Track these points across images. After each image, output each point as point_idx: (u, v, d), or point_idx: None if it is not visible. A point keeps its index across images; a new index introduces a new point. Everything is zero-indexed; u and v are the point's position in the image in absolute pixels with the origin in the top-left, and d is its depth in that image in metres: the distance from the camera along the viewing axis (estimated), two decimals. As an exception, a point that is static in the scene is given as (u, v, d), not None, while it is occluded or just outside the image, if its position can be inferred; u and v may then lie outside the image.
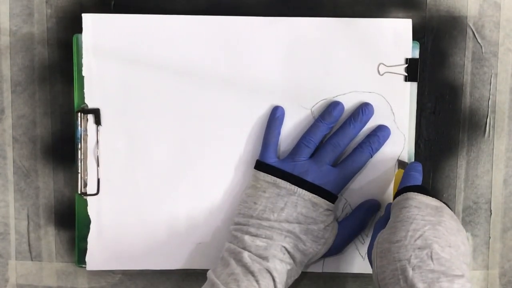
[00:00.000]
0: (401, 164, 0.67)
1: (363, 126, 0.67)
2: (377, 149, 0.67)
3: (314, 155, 0.66)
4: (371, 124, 0.67)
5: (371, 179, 0.68)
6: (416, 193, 0.58)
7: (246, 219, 0.64)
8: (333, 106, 0.66)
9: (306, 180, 0.64)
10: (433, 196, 0.59)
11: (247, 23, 0.67)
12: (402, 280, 0.53)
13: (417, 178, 0.62)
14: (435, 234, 0.55)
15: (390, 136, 0.67)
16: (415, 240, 0.54)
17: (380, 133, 0.66)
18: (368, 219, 0.68)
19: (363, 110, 0.66)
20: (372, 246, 0.59)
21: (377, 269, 0.56)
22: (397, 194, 0.60)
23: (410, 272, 0.53)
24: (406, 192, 0.59)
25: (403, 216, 0.56)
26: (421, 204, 0.57)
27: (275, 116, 0.67)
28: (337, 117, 0.66)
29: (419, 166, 0.64)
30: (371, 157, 0.66)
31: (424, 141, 0.69)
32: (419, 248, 0.54)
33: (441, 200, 0.59)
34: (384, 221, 0.61)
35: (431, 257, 0.53)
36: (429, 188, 0.63)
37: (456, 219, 0.58)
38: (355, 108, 0.67)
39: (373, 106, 0.67)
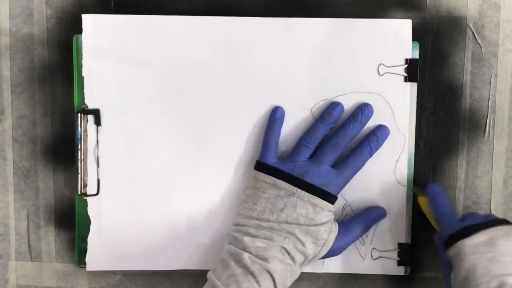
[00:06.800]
0: (418, 191, 0.67)
1: (363, 127, 0.67)
2: (376, 149, 0.67)
3: (313, 156, 0.66)
4: (371, 124, 0.67)
5: (371, 180, 0.68)
6: (463, 239, 0.59)
7: (246, 219, 0.64)
8: (332, 106, 0.66)
9: (306, 181, 0.64)
10: (479, 228, 0.60)
11: (247, 23, 0.67)
12: None
13: (445, 205, 0.64)
14: (503, 267, 0.56)
15: (390, 137, 0.67)
16: (490, 284, 0.56)
17: (379, 133, 0.66)
18: (370, 226, 0.68)
19: (363, 110, 0.66)
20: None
21: None
22: (449, 241, 0.61)
23: None
24: (455, 240, 0.60)
25: (468, 268, 0.58)
26: (474, 248, 0.58)
27: (275, 117, 0.67)
28: (336, 118, 0.66)
29: (438, 188, 0.65)
30: (370, 156, 0.66)
31: (424, 141, 0.69)
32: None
33: (486, 221, 0.60)
34: (446, 261, 0.62)
35: (504, 283, 0.55)
36: (474, 222, 0.62)
37: (510, 234, 0.59)
38: (355, 109, 0.67)
39: (373, 106, 0.67)
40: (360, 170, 0.67)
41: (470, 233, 0.59)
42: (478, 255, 0.58)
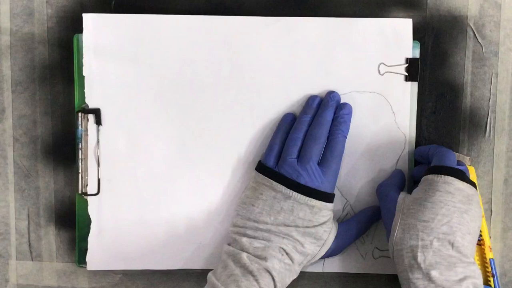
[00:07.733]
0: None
1: (334, 111, 0.66)
2: (348, 129, 0.66)
3: (300, 155, 0.65)
4: (371, 122, 0.67)
5: (371, 179, 0.68)
6: (454, 178, 0.60)
7: (244, 221, 0.64)
8: (312, 99, 0.67)
9: (301, 183, 0.64)
10: (469, 182, 0.61)
11: (247, 23, 0.67)
12: (420, 258, 0.58)
13: (453, 157, 0.63)
14: (460, 222, 0.58)
15: (391, 136, 0.67)
16: (442, 225, 0.58)
17: (341, 112, 0.66)
18: (370, 225, 0.68)
19: (330, 96, 0.66)
20: (386, 191, 0.64)
21: (397, 239, 0.60)
22: (432, 169, 0.62)
23: (430, 253, 0.57)
24: (444, 173, 0.61)
25: (436, 199, 0.59)
26: (456, 191, 0.60)
27: (285, 123, 0.67)
28: (317, 109, 0.66)
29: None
30: (346, 138, 0.66)
31: (425, 141, 0.69)
32: (443, 233, 0.58)
33: (473, 185, 0.61)
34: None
35: (452, 244, 0.58)
36: (466, 173, 0.63)
37: (480, 205, 0.61)
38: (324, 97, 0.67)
39: (374, 105, 0.67)
40: (360, 170, 0.67)
41: (462, 178, 0.60)
42: (454, 197, 0.59)
